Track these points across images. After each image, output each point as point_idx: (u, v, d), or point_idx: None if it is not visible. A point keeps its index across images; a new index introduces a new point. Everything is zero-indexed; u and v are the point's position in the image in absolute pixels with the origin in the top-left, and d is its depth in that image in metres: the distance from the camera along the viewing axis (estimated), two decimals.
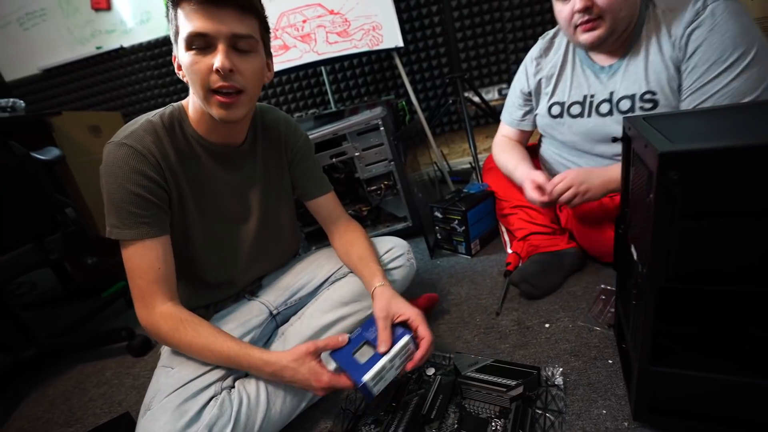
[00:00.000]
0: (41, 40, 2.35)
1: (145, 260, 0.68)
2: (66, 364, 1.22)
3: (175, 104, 0.75)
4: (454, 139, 2.33)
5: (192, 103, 0.72)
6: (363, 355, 0.68)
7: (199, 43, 0.62)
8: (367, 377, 0.63)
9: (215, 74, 0.63)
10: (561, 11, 0.89)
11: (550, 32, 1.07)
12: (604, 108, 0.93)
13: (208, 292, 0.84)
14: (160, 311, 0.68)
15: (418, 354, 0.68)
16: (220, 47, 0.63)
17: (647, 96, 0.87)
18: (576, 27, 0.87)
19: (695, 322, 0.55)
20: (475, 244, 1.27)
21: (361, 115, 1.32)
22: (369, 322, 0.74)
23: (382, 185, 1.39)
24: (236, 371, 0.70)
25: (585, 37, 0.87)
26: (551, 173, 1.11)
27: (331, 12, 1.60)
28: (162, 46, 2.26)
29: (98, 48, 2.32)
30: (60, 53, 2.36)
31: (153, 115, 0.72)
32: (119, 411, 0.96)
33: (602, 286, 0.95)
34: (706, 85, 0.80)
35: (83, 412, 0.99)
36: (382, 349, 0.67)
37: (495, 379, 0.71)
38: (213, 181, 0.77)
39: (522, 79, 1.12)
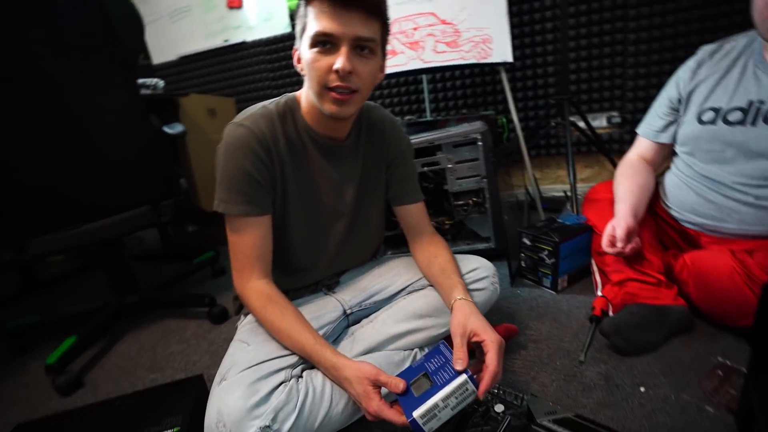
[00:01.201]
0: (182, 31, 2.69)
1: (246, 237, 0.72)
2: (157, 316, 1.35)
3: (289, 95, 0.79)
4: (548, 164, 2.19)
5: (305, 95, 0.75)
6: (419, 387, 0.63)
7: (323, 42, 0.65)
8: (417, 413, 0.59)
9: (334, 74, 0.66)
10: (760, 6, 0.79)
11: (717, 42, 0.97)
12: None
13: (290, 277, 0.86)
14: (253, 286, 0.73)
15: (480, 385, 0.62)
16: (343, 49, 0.65)
17: None
18: None
19: None
20: (563, 280, 1.16)
21: (460, 127, 1.29)
22: (433, 351, 0.69)
23: (470, 201, 1.35)
24: (306, 361, 0.71)
25: None
26: (673, 203, 1.01)
27: (443, 22, 1.60)
28: (278, 43, 2.45)
29: (225, 41, 2.59)
30: (194, 43, 2.68)
31: (270, 102, 0.77)
32: (193, 370, 1.04)
33: (720, 359, 0.80)
34: None
35: (164, 363, 1.09)
36: (458, 366, 0.62)
37: None
38: (315, 171, 0.79)
39: (672, 87, 1.02)
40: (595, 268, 1.14)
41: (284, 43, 2.43)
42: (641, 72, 1.85)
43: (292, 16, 2.36)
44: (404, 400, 0.62)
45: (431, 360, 0.67)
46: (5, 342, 1.23)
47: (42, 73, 0.94)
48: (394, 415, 0.59)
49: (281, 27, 2.43)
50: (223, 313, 1.27)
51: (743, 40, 0.92)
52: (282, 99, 0.78)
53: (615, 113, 1.99)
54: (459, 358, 0.62)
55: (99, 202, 1.09)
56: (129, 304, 1.27)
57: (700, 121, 0.92)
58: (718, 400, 0.70)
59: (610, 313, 0.97)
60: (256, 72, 2.57)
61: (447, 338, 0.72)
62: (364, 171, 0.86)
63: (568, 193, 1.63)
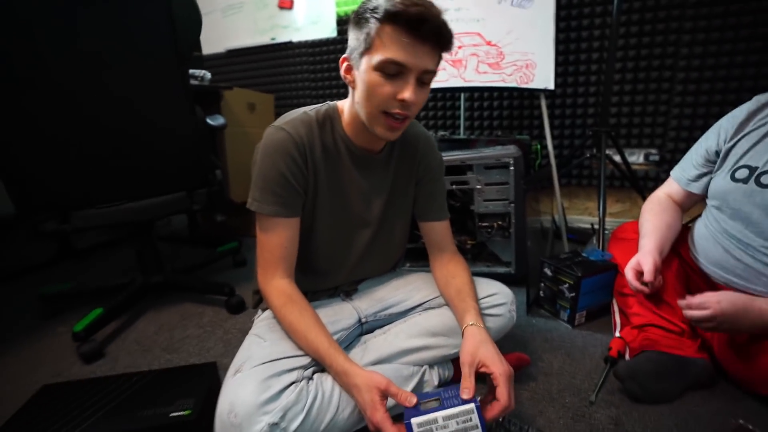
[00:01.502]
0: (232, 26, 2.79)
1: (274, 236, 0.75)
2: (177, 298, 1.40)
3: (331, 104, 0.82)
4: (578, 194, 2.15)
5: (349, 108, 0.77)
6: (426, 405, 0.64)
7: (392, 69, 0.65)
8: (415, 420, 0.60)
9: (397, 102, 0.67)
10: None
11: None
12: None
13: (311, 279, 0.88)
14: (275, 284, 0.75)
15: (488, 414, 0.62)
16: (411, 80, 0.66)
17: None
18: None
19: None
20: (581, 316, 1.14)
21: (493, 150, 1.30)
22: (452, 387, 0.67)
23: (495, 224, 1.34)
24: (318, 364, 0.72)
25: None
26: (701, 255, 0.96)
27: (488, 43, 1.61)
28: (322, 46, 2.51)
29: (272, 39, 2.68)
30: (243, 38, 2.78)
31: (311, 109, 0.80)
32: (206, 356, 1.07)
33: (741, 421, 0.77)
34: None
35: (180, 345, 1.13)
36: (464, 395, 0.63)
37: None
38: (347, 180, 0.82)
39: (713, 137, 0.97)
40: (615, 308, 1.12)
41: (328, 47, 2.49)
42: (686, 112, 1.80)
43: (339, 22, 2.42)
44: (409, 411, 0.63)
45: (447, 390, 0.66)
46: (38, 306, 1.31)
47: (106, 62, 1.01)
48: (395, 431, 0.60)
49: (327, 31, 2.49)
50: (240, 303, 1.31)
51: None
52: (323, 107, 0.80)
53: (654, 150, 1.95)
54: (466, 388, 0.63)
55: (140, 183, 1.15)
56: (153, 284, 1.32)
57: (733, 178, 0.89)
58: None
59: (626, 357, 0.95)
60: (297, 72, 2.64)
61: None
62: (394, 184, 0.88)
63: (596, 227, 1.60)
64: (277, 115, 2.60)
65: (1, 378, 1.00)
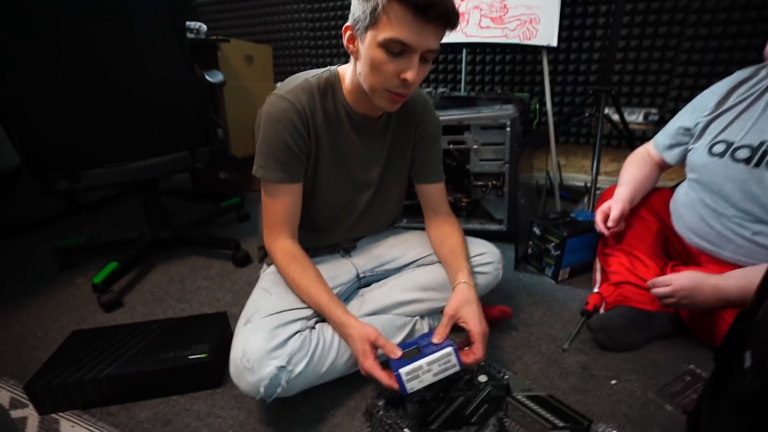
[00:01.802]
0: None
1: (278, 201, 0.80)
2: (185, 251, 1.48)
3: (332, 69, 0.82)
4: (575, 152, 2.17)
5: (351, 76, 0.78)
6: (409, 354, 0.72)
7: (396, 48, 0.66)
8: (403, 370, 0.69)
9: (400, 80, 0.68)
10: None
11: (753, 67, 0.94)
12: None
13: (313, 235, 0.94)
14: (280, 244, 0.82)
15: (463, 359, 0.71)
16: (414, 59, 0.67)
17: None
18: None
19: None
20: (564, 272, 1.22)
21: (491, 110, 1.31)
22: (427, 334, 0.77)
23: (490, 183, 1.39)
24: (320, 315, 0.80)
25: None
26: (679, 221, 1.04)
27: None
28: None
29: None
30: None
31: (312, 75, 0.81)
32: (217, 306, 1.16)
33: (691, 366, 0.87)
34: None
35: (191, 296, 1.22)
36: (435, 340, 0.73)
37: (544, 413, 0.72)
38: (347, 145, 0.85)
39: (689, 115, 1.02)
40: (597, 266, 1.20)
41: None
42: (691, 71, 1.77)
43: None
44: (395, 362, 0.72)
45: (425, 338, 0.76)
46: (53, 258, 1.39)
47: (103, 21, 1.00)
48: (383, 376, 0.69)
49: None
50: (245, 257, 1.39)
51: None
52: (324, 74, 0.81)
53: (654, 110, 1.94)
54: (438, 334, 0.72)
55: (144, 143, 1.18)
56: (162, 238, 1.39)
57: (710, 152, 0.92)
58: (679, 401, 0.78)
59: (602, 310, 1.03)
60: (295, 20, 2.54)
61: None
62: (392, 147, 0.91)
63: (589, 185, 1.64)
64: (276, 66, 2.56)
65: (30, 324, 1.10)
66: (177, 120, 1.21)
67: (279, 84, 0.81)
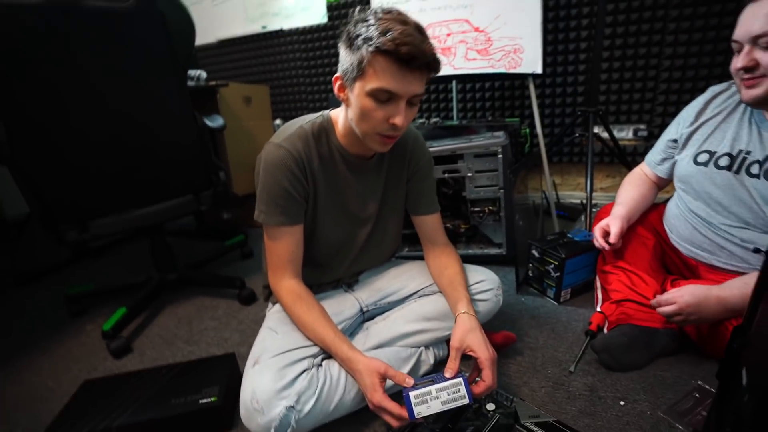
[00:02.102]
0: (222, 15, 2.78)
1: (281, 243, 0.83)
2: (192, 292, 1.50)
3: (325, 115, 0.87)
4: (569, 171, 2.21)
5: (344, 121, 0.83)
6: (422, 385, 0.73)
7: (383, 97, 0.71)
8: (412, 393, 0.70)
9: (389, 125, 0.73)
10: (732, 64, 0.87)
11: (726, 82, 1.01)
12: (754, 169, 0.88)
13: (315, 273, 0.96)
14: (285, 284, 0.84)
15: (475, 391, 0.72)
16: (401, 105, 0.72)
17: None
18: (740, 81, 0.86)
19: None
20: (566, 293, 1.24)
21: (482, 138, 1.36)
22: (441, 372, 0.76)
23: (486, 209, 1.42)
24: (326, 352, 0.82)
25: (744, 93, 0.87)
26: (674, 233, 1.07)
27: (476, 29, 1.63)
28: (313, 33, 2.52)
29: (263, 27, 2.68)
30: (234, 28, 2.78)
31: (306, 122, 0.85)
32: (225, 346, 1.18)
33: (699, 382, 0.87)
34: None
35: (199, 337, 1.24)
36: (447, 374, 0.73)
37: None
38: (343, 185, 0.89)
39: (674, 128, 1.08)
40: (598, 284, 1.21)
41: (319, 33, 2.50)
42: (674, 87, 1.84)
43: (329, 8, 2.42)
44: (406, 389, 0.73)
45: (439, 375, 0.76)
46: (63, 305, 1.41)
47: (111, 79, 1.07)
48: (393, 407, 0.69)
49: (318, 17, 2.49)
50: (251, 295, 1.41)
51: None
52: (318, 120, 0.86)
53: (643, 126, 1.99)
54: (450, 368, 0.73)
55: (150, 191, 1.22)
56: (169, 281, 1.42)
57: (695, 162, 0.97)
58: (689, 420, 0.78)
59: (605, 329, 1.04)
60: (290, 60, 2.66)
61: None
62: (387, 184, 0.95)
63: (585, 203, 1.67)
64: (274, 104, 2.66)
65: (42, 373, 1.12)
66: (181, 167, 1.26)
67: (278, 122, 0.86)
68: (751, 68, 0.82)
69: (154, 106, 1.16)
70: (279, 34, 2.64)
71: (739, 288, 0.83)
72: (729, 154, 0.92)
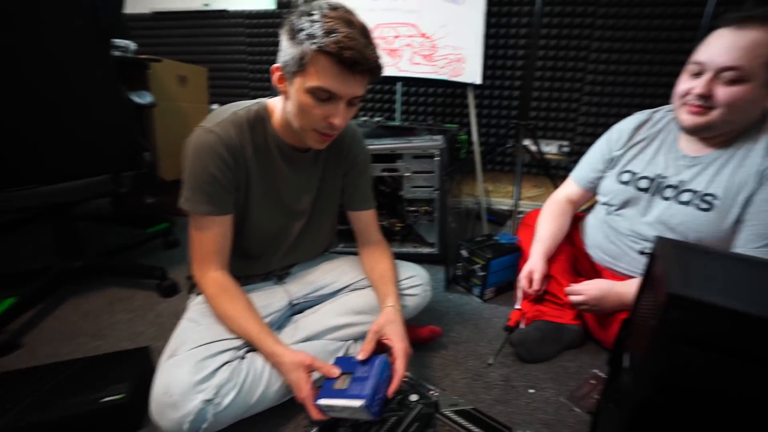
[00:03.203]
0: None
1: (207, 233, 0.79)
2: (103, 283, 1.36)
3: (261, 103, 0.84)
4: (501, 179, 2.36)
5: (282, 112, 0.80)
6: (342, 381, 0.73)
7: (323, 96, 0.70)
8: (320, 402, 0.70)
9: (326, 123, 0.73)
10: (681, 84, 0.90)
11: (648, 111, 1.10)
12: (668, 193, 0.97)
13: (244, 264, 0.93)
14: (210, 276, 0.80)
15: (390, 389, 0.74)
16: (341, 106, 0.72)
17: (708, 198, 0.90)
18: (684, 104, 0.90)
19: None
20: (490, 291, 1.32)
21: (421, 140, 1.40)
22: (373, 359, 0.77)
23: (422, 209, 1.47)
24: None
25: (686, 118, 0.89)
26: (588, 239, 1.17)
27: (423, 35, 1.68)
28: (260, 18, 2.42)
29: (205, 5, 2.51)
30: (172, 1, 2.58)
31: (241, 108, 0.81)
32: (138, 341, 1.08)
33: (595, 371, 0.98)
34: (766, 212, 0.83)
35: (108, 331, 1.13)
36: (360, 356, 0.76)
37: (468, 425, 0.77)
38: (278, 176, 0.87)
39: (606, 145, 1.14)
40: (518, 283, 1.30)
41: (266, 19, 2.41)
42: (593, 110, 2.05)
43: None
44: (328, 383, 0.73)
45: (363, 365, 0.76)
46: None
47: (18, 28, 0.94)
48: (312, 411, 0.70)
49: (266, 2, 2.40)
50: (172, 287, 1.31)
51: (669, 115, 1.04)
52: (254, 107, 0.82)
53: (566, 142, 2.18)
54: (363, 350, 0.76)
55: (59, 165, 1.09)
56: (74, 269, 1.27)
57: (620, 181, 1.08)
58: (585, 403, 0.87)
59: (522, 325, 1.13)
60: (233, 43, 2.53)
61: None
62: (323, 177, 0.94)
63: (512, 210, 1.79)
64: (213, 88, 2.51)
65: None
66: (97, 142, 1.14)
67: (215, 106, 0.82)
68: (706, 97, 0.84)
69: (70, 72, 1.04)
70: (223, 14, 2.50)
71: (635, 286, 0.94)
72: (648, 178, 1.02)
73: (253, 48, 2.49)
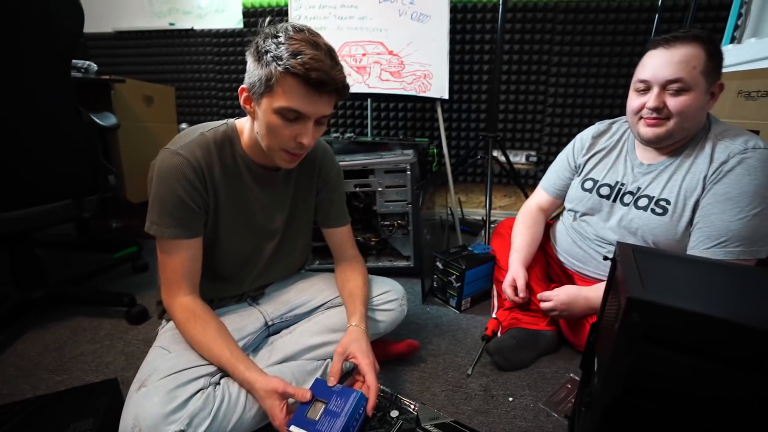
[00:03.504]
0: (123, 4, 2.52)
1: (176, 257, 0.77)
2: (67, 313, 1.30)
3: (230, 123, 0.83)
4: (473, 190, 2.41)
5: (250, 133, 0.80)
6: (315, 410, 0.72)
7: (291, 116, 0.71)
8: (292, 429, 0.69)
9: (295, 143, 0.73)
10: (633, 101, 0.96)
11: (608, 120, 1.16)
12: (627, 199, 1.02)
13: (217, 287, 0.90)
14: (180, 301, 0.77)
15: (368, 406, 0.74)
16: (309, 125, 0.72)
17: (662, 202, 0.95)
18: (641, 119, 0.95)
19: None
20: (467, 302, 1.33)
21: (392, 155, 1.42)
22: (344, 391, 0.75)
23: (396, 223, 1.48)
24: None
25: (645, 131, 0.95)
26: (558, 245, 1.20)
27: (390, 53, 1.72)
28: (228, 37, 2.41)
29: (171, 24, 2.49)
30: (136, 20, 2.54)
31: (208, 129, 0.80)
32: (105, 373, 1.03)
33: (571, 375, 1.00)
34: (713, 215, 0.88)
35: (72, 364, 1.07)
36: (330, 382, 0.75)
37: None
38: (249, 196, 0.86)
39: (571, 152, 1.19)
40: (494, 293, 1.33)
41: (234, 38, 2.40)
42: (557, 121, 2.14)
43: (246, 14, 2.35)
44: (300, 410, 0.72)
45: (339, 397, 0.74)
46: None
47: None
48: None
49: (233, 22, 2.40)
50: (142, 313, 1.26)
51: (626, 125, 1.10)
52: (221, 128, 0.81)
53: (533, 152, 2.27)
54: (332, 374, 0.76)
55: (14, 191, 1.04)
56: (34, 300, 1.21)
57: (583, 188, 1.13)
58: (562, 408, 0.89)
59: (499, 333, 1.15)
60: (201, 62, 2.50)
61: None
62: (295, 196, 0.94)
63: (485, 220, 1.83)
64: (180, 108, 2.47)
65: None
66: (58, 166, 1.10)
67: (183, 125, 0.81)
68: (660, 109, 0.90)
69: (28, 94, 1.00)
70: (189, 33, 2.48)
71: (601, 290, 0.98)
72: (609, 185, 1.07)
73: (221, 67, 2.47)
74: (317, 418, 0.71)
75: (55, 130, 1.08)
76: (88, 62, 1.61)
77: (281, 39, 0.68)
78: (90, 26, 2.56)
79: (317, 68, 0.67)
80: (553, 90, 2.09)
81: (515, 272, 1.12)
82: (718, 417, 0.50)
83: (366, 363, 0.77)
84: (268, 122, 0.72)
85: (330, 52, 0.72)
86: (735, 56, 1.39)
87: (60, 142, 1.10)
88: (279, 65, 0.67)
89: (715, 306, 0.49)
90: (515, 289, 1.10)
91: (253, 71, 0.71)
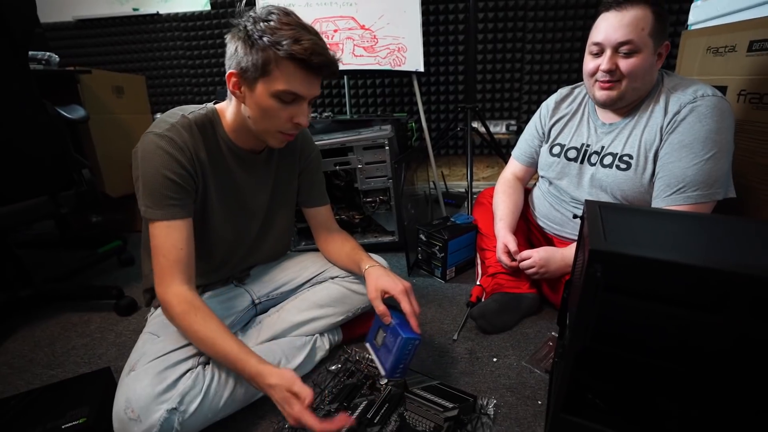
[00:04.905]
0: None
1: (169, 239, 0.74)
2: (55, 310, 1.30)
3: (209, 106, 0.83)
4: (455, 163, 2.42)
5: (232, 114, 0.80)
6: (380, 338, 0.82)
7: (288, 98, 0.73)
8: (387, 374, 0.78)
9: (292, 124, 0.76)
10: (588, 64, 0.99)
11: (569, 86, 1.19)
12: (593, 159, 1.05)
13: (204, 272, 0.91)
14: (174, 291, 0.73)
15: (412, 325, 0.78)
16: (305, 106, 0.76)
17: (625, 158, 0.98)
18: (596, 82, 0.98)
19: (614, 383, 0.64)
20: (451, 271, 1.36)
21: (370, 131, 1.41)
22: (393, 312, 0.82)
23: (378, 198, 1.49)
24: None
25: (600, 94, 0.98)
26: (536, 211, 1.23)
27: (362, 27, 1.69)
28: (196, 20, 2.33)
29: (135, 9, 2.40)
30: (97, 7, 2.43)
31: (188, 112, 0.79)
32: (99, 364, 1.04)
33: (552, 333, 1.05)
34: (671, 163, 0.91)
35: (65, 359, 1.08)
36: (386, 320, 0.79)
37: (436, 398, 0.80)
38: (233, 178, 0.86)
39: (538, 120, 1.22)
40: (478, 261, 1.36)
41: (203, 21, 2.33)
42: (534, 89, 2.14)
43: None
44: (373, 329, 0.84)
45: (391, 335, 0.80)
46: None
47: None
48: (314, 422, 0.62)
49: (199, 4, 2.32)
50: (131, 305, 1.27)
51: (583, 90, 1.13)
52: (202, 111, 0.81)
53: (513, 122, 2.27)
54: (383, 316, 0.80)
55: None
56: (21, 299, 1.21)
57: (551, 153, 1.15)
58: (544, 364, 0.93)
59: (483, 299, 1.18)
60: (170, 48, 2.43)
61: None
62: (277, 177, 0.94)
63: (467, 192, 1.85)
64: (152, 97, 2.41)
65: None
66: (26, 163, 1.08)
67: (158, 115, 0.80)
68: (613, 71, 0.93)
69: None
70: (155, 18, 2.39)
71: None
72: (575, 148, 1.10)
73: (191, 52, 2.40)
74: (380, 345, 0.81)
75: (19, 125, 1.05)
76: (48, 53, 1.55)
77: (273, 24, 0.70)
78: (48, 15, 2.48)
79: (319, 53, 0.70)
80: (530, 57, 2.08)
81: (504, 238, 1.15)
82: (681, 358, 0.54)
83: (399, 290, 0.80)
84: (264, 105, 0.74)
85: (318, 34, 0.74)
86: (704, 12, 1.39)
87: (26, 138, 1.07)
88: (279, 50, 0.68)
89: (671, 252, 0.51)
90: (509, 254, 1.12)
91: (243, 56, 0.71)
